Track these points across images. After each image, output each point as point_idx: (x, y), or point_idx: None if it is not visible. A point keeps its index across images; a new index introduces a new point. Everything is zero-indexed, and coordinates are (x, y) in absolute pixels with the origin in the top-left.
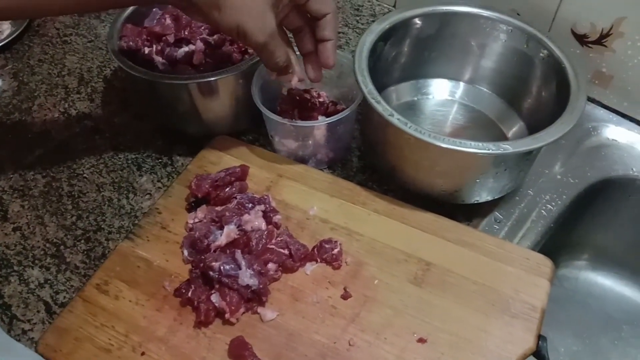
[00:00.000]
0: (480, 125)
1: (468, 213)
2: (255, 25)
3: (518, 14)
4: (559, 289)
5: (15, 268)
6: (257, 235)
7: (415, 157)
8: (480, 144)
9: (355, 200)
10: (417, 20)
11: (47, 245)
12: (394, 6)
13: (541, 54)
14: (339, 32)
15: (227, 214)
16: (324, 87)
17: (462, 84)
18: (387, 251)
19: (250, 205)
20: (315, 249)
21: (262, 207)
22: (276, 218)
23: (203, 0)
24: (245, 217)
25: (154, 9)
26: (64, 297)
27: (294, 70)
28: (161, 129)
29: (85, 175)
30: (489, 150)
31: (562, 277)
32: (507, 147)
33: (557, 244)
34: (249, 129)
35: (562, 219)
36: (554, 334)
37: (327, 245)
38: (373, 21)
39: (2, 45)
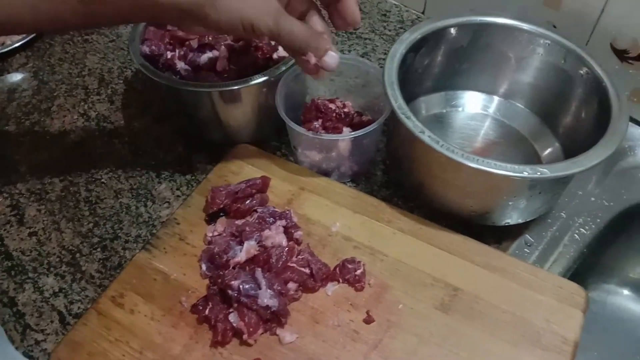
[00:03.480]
0: (512, 142)
1: (498, 235)
2: (258, 11)
3: (554, 27)
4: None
5: (30, 275)
6: (277, 252)
7: (445, 176)
8: (515, 166)
9: (380, 217)
10: (450, 31)
11: (63, 252)
12: (423, 12)
13: (580, 71)
14: (366, 39)
15: (247, 229)
16: (348, 97)
17: (495, 98)
18: (413, 274)
19: (271, 219)
20: (338, 269)
21: (284, 222)
22: (297, 234)
23: (195, 3)
24: (266, 232)
25: None
26: (78, 308)
27: (324, 43)
28: (182, 135)
29: (103, 180)
30: (524, 174)
31: (590, 300)
32: (544, 172)
33: (587, 266)
34: (272, 138)
35: (595, 243)
36: (578, 358)
37: (350, 266)
38: (401, 28)
39: (23, 43)
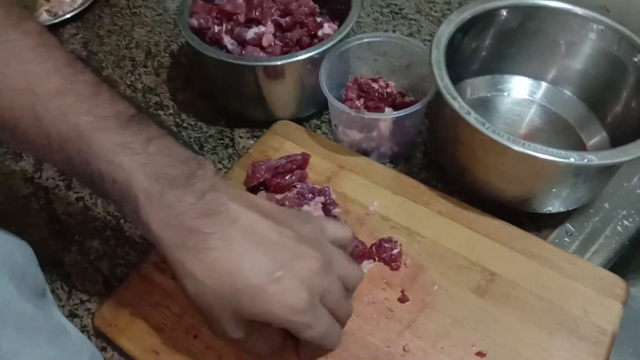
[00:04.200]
0: (558, 130)
1: (538, 222)
2: (216, 327)
3: (608, 11)
4: (627, 310)
5: (77, 237)
6: None
7: (489, 160)
8: (562, 152)
9: (419, 199)
10: (501, 12)
11: (108, 217)
12: None
13: (635, 59)
14: (411, 19)
15: (287, 203)
16: (392, 77)
17: (543, 83)
18: (450, 256)
19: (310, 195)
20: (374, 247)
21: (322, 198)
22: (335, 211)
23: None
24: (305, 207)
25: None
26: (121, 272)
27: None
28: (224, 110)
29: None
30: (571, 159)
31: (631, 297)
32: (592, 158)
33: (628, 260)
34: (312, 116)
35: (637, 237)
36: (613, 355)
37: (386, 245)
38: (448, 10)
39: (74, 15)
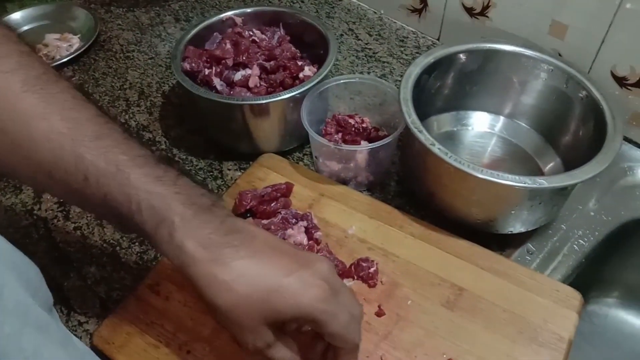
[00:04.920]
0: (517, 158)
1: (501, 243)
2: (245, 337)
3: (560, 55)
4: (588, 325)
5: (75, 264)
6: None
7: (454, 186)
8: (517, 177)
9: (393, 222)
10: (461, 56)
11: (105, 245)
12: (438, 39)
13: (580, 94)
14: (384, 62)
15: (272, 227)
16: (367, 114)
17: (501, 117)
18: (422, 274)
19: (294, 220)
20: (353, 267)
21: (305, 223)
22: (317, 234)
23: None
24: (289, 231)
25: (215, 33)
26: (117, 295)
27: None
28: (213, 144)
29: None
30: (525, 184)
31: (591, 314)
32: (542, 182)
33: (588, 279)
34: (295, 149)
35: (593, 255)
36: None
37: (364, 264)
38: (417, 53)
39: (70, 58)
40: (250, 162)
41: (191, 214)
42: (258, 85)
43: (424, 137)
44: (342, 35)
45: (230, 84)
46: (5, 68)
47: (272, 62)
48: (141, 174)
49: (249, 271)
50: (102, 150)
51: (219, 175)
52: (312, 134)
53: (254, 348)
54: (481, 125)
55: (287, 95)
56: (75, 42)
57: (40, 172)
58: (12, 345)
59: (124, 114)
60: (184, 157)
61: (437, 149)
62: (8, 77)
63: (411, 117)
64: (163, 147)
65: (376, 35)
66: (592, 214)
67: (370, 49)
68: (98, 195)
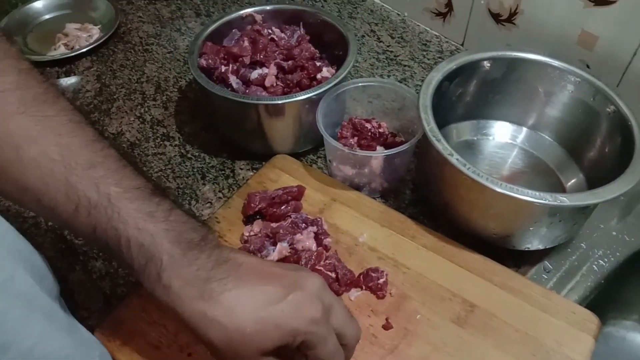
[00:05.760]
0: (538, 172)
1: (517, 259)
2: None
3: (588, 66)
4: (604, 347)
5: (81, 258)
6: (307, 255)
7: (470, 198)
8: (537, 193)
9: (405, 232)
10: (485, 63)
11: None
12: (462, 44)
13: (608, 109)
14: (405, 66)
15: (281, 231)
16: (384, 118)
17: (524, 129)
18: (433, 287)
19: (303, 225)
20: (362, 276)
21: (315, 228)
22: (327, 241)
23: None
24: (298, 236)
25: (233, 30)
26: (122, 291)
27: None
28: (226, 143)
29: (153, 178)
30: (545, 200)
31: (608, 335)
32: (564, 200)
33: (606, 300)
34: (309, 151)
35: (613, 276)
36: None
37: (373, 274)
38: (440, 57)
39: (90, 49)
40: (263, 163)
41: (179, 252)
42: (274, 84)
43: (442, 146)
44: (363, 36)
45: (247, 83)
46: (1, 87)
47: (289, 62)
48: (132, 209)
49: (238, 303)
50: (95, 181)
51: (231, 174)
52: (327, 137)
53: None
54: (502, 135)
55: (303, 97)
56: (95, 33)
57: (28, 197)
58: (19, 331)
59: (139, 107)
60: (197, 154)
61: (455, 159)
62: (3, 96)
63: (430, 124)
64: (176, 142)
65: (398, 37)
66: (614, 233)
67: (391, 51)
68: (88, 226)
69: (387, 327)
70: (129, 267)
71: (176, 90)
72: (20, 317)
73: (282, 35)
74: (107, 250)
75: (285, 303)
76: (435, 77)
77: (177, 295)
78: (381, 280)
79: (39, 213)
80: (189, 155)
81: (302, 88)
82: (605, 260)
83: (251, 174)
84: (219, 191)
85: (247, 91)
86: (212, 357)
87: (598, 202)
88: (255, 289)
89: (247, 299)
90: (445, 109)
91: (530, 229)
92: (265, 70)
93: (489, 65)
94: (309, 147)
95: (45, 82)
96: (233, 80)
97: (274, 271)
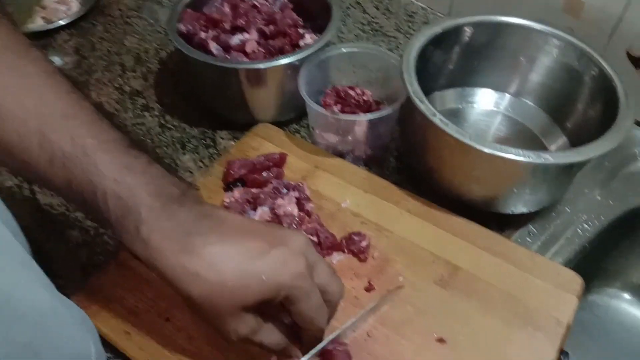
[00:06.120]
0: (522, 138)
1: (502, 223)
2: (227, 326)
3: (572, 31)
4: (588, 316)
5: (57, 228)
6: (288, 220)
7: (454, 161)
8: (520, 151)
9: (389, 198)
10: (469, 28)
11: None
12: (448, 15)
13: (593, 72)
14: (390, 36)
15: (261, 196)
16: (369, 88)
17: (507, 95)
18: (416, 251)
19: (285, 190)
20: (344, 240)
21: (297, 193)
22: (309, 206)
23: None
24: (279, 201)
25: None
26: (99, 260)
27: (295, 353)
28: (207, 113)
29: None
30: (529, 158)
31: (592, 304)
32: (547, 158)
33: (591, 268)
34: (291, 120)
35: (597, 241)
36: (578, 358)
37: (355, 238)
38: None
39: (69, 23)
40: (245, 132)
41: (159, 206)
42: (256, 50)
43: (425, 107)
44: (348, 8)
45: (227, 49)
46: None
47: (271, 27)
48: (109, 161)
49: (220, 257)
50: (69, 132)
51: (212, 144)
52: (309, 101)
53: (237, 336)
54: (486, 103)
55: (285, 61)
56: (74, 6)
57: (1, 150)
58: None
59: (118, 78)
60: (177, 124)
61: (438, 119)
62: None
63: (413, 86)
64: (156, 113)
65: (384, 9)
66: (599, 198)
67: (376, 22)
68: (63, 179)
69: (369, 289)
70: (106, 222)
71: (156, 61)
72: None
73: (264, 2)
74: (84, 206)
75: (269, 257)
76: (419, 40)
77: (156, 249)
78: (363, 244)
79: (12, 168)
80: (168, 125)
81: (285, 54)
82: (590, 224)
83: (232, 143)
84: (200, 160)
85: (227, 58)
86: (192, 316)
87: (582, 160)
88: (238, 244)
89: (229, 253)
90: (429, 77)
91: (514, 190)
92: (247, 35)
93: (473, 30)
94: (291, 116)
95: (16, 31)
96: (213, 46)
97: (257, 228)
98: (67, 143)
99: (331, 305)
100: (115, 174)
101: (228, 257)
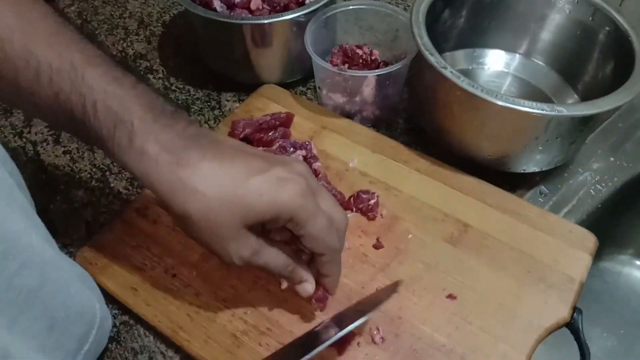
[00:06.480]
0: (534, 99)
1: (513, 182)
2: (228, 248)
3: None
4: (600, 282)
5: (62, 187)
6: None
7: (465, 117)
8: (534, 103)
9: (398, 157)
10: None
11: (94, 170)
12: None
13: (607, 28)
14: None
15: None
16: (377, 48)
17: (517, 56)
18: (425, 209)
19: (292, 149)
20: (352, 198)
21: (303, 152)
22: (316, 165)
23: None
24: None
25: None
26: (104, 219)
27: (306, 276)
28: (212, 74)
29: None
30: (542, 110)
31: (604, 270)
32: (562, 110)
33: (603, 233)
34: (297, 82)
35: (610, 203)
36: (589, 326)
37: (364, 196)
38: None
39: None
40: (251, 94)
41: (152, 117)
42: (260, 7)
43: (436, 59)
44: None
45: (231, 6)
46: None
47: None
48: (97, 74)
49: (219, 172)
50: (56, 47)
51: (217, 106)
52: (315, 57)
53: (240, 259)
54: (497, 64)
55: (290, 16)
56: None
57: None
58: (2, 220)
59: (121, 42)
60: (182, 86)
61: (449, 72)
62: None
63: (422, 39)
64: (160, 75)
65: None
66: (612, 159)
67: None
68: (50, 94)
69: (378, 246)
70: (96, 138)
71: (160, 25)
72: (3, 207)
73: None
74: (72, 123)
75: (269, 174)
76: None
77: (152, 161)
78: (372, 202)
79: None
80: (173, 88)
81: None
82: (603, 185)
83: (238, 105)
84: (205, 122)
85: (231, 14)
86: (189, 237)
87: (596, 112)
88: (236, 160)
89: (228, 168)
90: (439, 37)
91: (526, 147)
92: None
93: None
94: (297, 77)
95: None
96: (217, 3)
97: (256, 150)
98: (55, 57)
99: (339, 234)
100: (105, 86)
101: (226, 172)
